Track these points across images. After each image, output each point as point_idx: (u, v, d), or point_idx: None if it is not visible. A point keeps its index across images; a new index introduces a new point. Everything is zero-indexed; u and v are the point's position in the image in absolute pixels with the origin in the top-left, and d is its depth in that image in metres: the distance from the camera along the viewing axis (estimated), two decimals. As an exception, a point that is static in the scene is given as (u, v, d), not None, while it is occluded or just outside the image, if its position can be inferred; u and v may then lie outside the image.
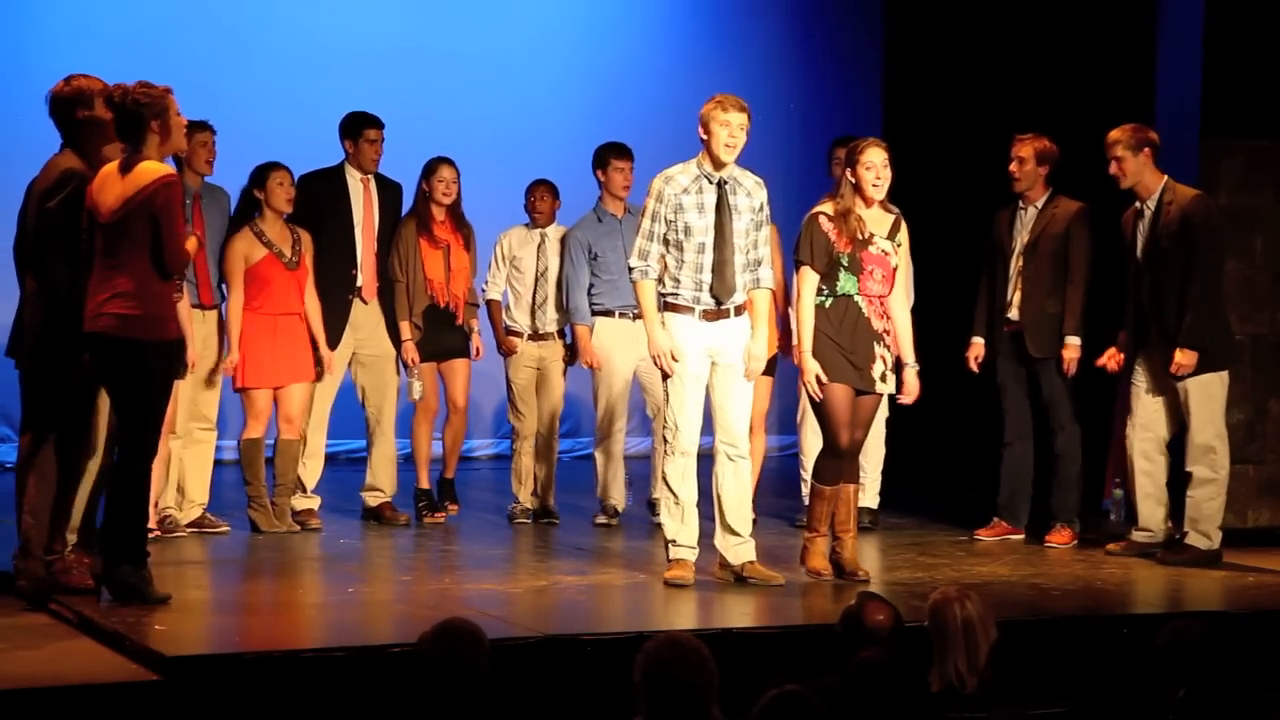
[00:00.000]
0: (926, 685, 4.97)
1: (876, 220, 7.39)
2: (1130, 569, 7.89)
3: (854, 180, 7.32)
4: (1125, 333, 8.18)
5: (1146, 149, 8.00)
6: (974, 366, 8.66)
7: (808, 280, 7.33)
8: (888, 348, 7.37)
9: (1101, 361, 8.25)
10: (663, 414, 7.29)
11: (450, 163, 8.80)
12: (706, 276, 7.13)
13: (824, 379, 7.23)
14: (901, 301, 7.47)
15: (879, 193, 7.32)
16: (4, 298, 7.06)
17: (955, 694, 4.96)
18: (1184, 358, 7.90)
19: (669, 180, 7.19)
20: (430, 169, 8.81)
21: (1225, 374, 8.05)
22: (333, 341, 8.63)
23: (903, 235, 7.43)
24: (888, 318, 7.38)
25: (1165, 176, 8.05)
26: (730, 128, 7.07)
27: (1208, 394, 7.98)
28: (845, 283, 7.30)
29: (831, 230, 7.31)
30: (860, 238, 7.30)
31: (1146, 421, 8.14)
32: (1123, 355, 8.18)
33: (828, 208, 7.38)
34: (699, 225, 7.12)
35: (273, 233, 8.44)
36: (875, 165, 7.30)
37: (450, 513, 8.98)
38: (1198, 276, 7.94)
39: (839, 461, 7.36)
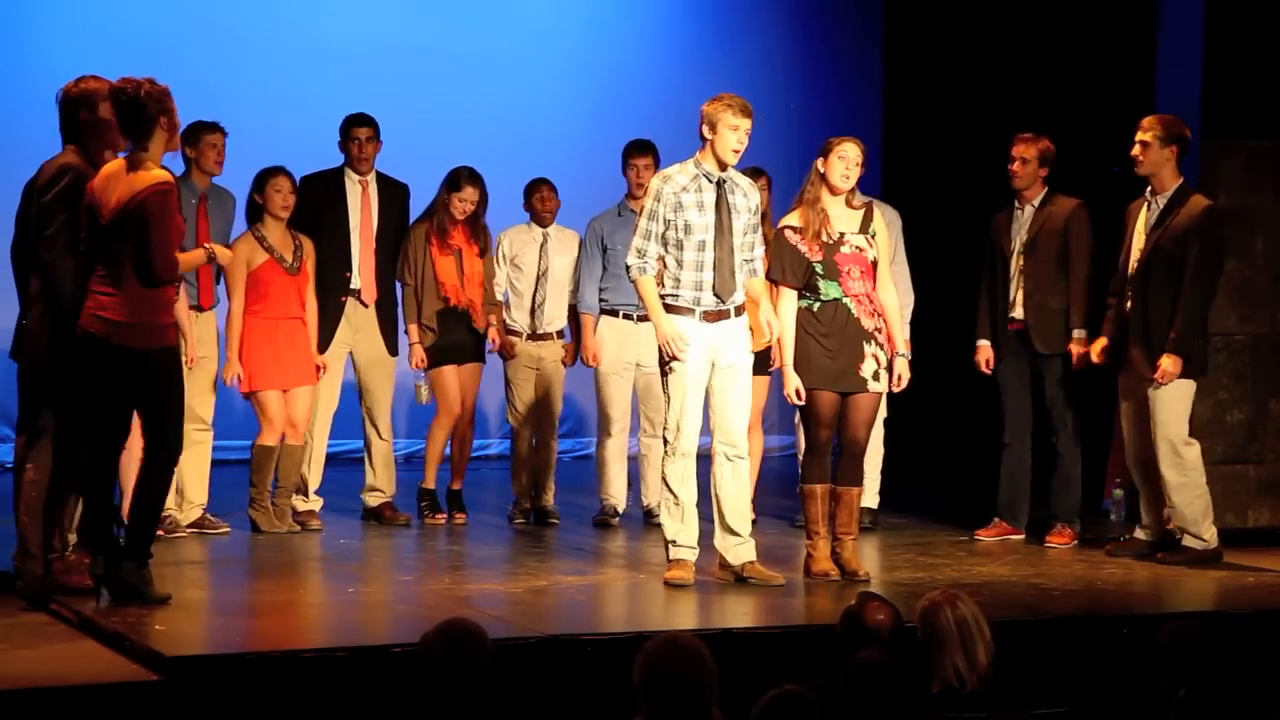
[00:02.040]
0: (927, 686, 4.97)
1: (845, 218, 7.39)
2: (1130, 569, 7.89)
3: (823, 170, 7.33)
4: (1112, 326, 8.15)
5: (1175, 145, 8.00)
6: (985, 369, 8.65)
7: (785, 298, 7.35)
8: (881, 346, 7.36)
9: (1093, 351, 8.22)
10: (663, 415, 7.29)
11: (476, 182, 8.69)
12: (707, 275, 7.13)
13: (803, 393, 7.28)
14: (888, 289, 7.45)
15: (847, 183, 7.33)
16: (4, 300, 7.05)
17: (955, 694, 4.95)
18: (1170, 364, 7.88)
19: (667, 179, 7.20)
20: (455, 183, 8.70)
21: (1192, 383, 8.02)
22: (322, 345, 8.62)
23: (876, 224, 7.41)
24: (878, 314, 7.38)
25: (1182, 179, 8.05)
26: (739, 132, 7.08)
27: (1172, 398, 7.94)
28: (828, 289, 7.31)
29: (799, 240, 7.31)
30: (829, 240, 7.30)
31: (1135, 420, 8.14)
32: (1104, 342, 8.16)
33: (793, 218, 7.38)
34: (699, 223, 7.13)
35: (274, 237, 8.45)
36: (848, 158, 7.31)
37: (457, 522, 8.94)
38: (1194, 286, 7.93)
39: (821, 460, 7.39)
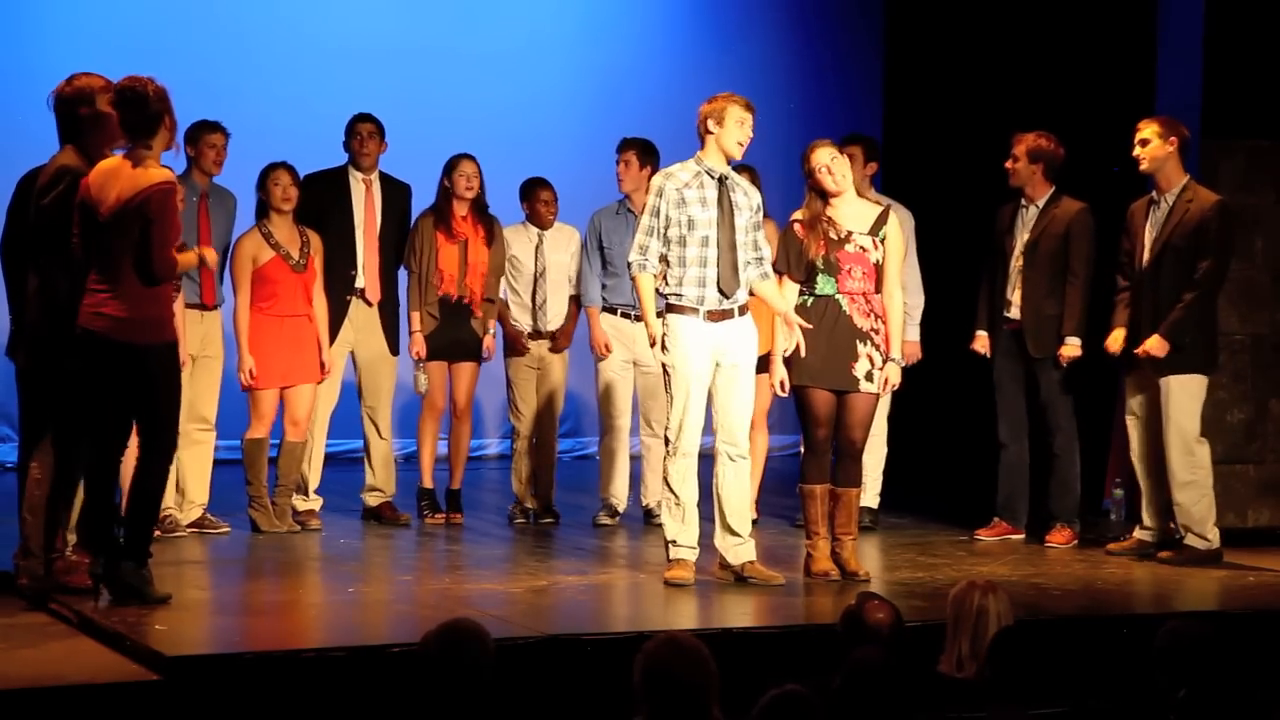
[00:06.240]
0: (922, 679, 4.99)
1: (859, 215, 7.40)
2: (1130, 569, 7.90)
3: (814, 186, 7.35)
4: (1123, 315, 8.14)
5: (1175, 139, 8.02)
6: (985, 353, 8.64)
7: (786, 288, 7.37)
8: (877, 347, 7.36)
9: (1112, 342, 8.20)
10: (664, 414, 7.30)
11: (471, 158, 8.78)
12: (711, 272, 7.14)
13: (787, 384, 7.29)
14: (895, 293, 7.44)
15: (844, 183, 7.34)
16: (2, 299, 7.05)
17: (954, 682, 4.99)
18: (1155, 345, 7.90)
19: (670, 176, 7.21)
20: (451, 165, 8.77)
21: (1205, 378, 8.04)
22: (331, 339, 8.63)
23: (890, 227, 7.41)
24: (876, 315, 7.37)
25: (1188, 176, 8.06)
26: (746, 126, 7.13)
27: (1186, 393, 7.97)
28: (824, 284, 7.33)
29: (805, 235, 7.33)
30: (835, 238, 7.31)
31: (1143, 417, 8.15)
32: (1122, 333, 8.16)
33: (802, 214, 7.41)
34: (703, 219, 7.14)
35: (281, 234, 8.44)
36: (822, 162, 7.35)
37: (454, 522, 8.92)
38: (1202, 279, 7.94)
39: (820, 459, 7.39)
